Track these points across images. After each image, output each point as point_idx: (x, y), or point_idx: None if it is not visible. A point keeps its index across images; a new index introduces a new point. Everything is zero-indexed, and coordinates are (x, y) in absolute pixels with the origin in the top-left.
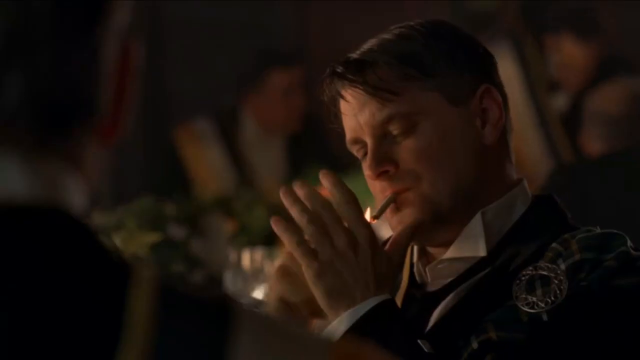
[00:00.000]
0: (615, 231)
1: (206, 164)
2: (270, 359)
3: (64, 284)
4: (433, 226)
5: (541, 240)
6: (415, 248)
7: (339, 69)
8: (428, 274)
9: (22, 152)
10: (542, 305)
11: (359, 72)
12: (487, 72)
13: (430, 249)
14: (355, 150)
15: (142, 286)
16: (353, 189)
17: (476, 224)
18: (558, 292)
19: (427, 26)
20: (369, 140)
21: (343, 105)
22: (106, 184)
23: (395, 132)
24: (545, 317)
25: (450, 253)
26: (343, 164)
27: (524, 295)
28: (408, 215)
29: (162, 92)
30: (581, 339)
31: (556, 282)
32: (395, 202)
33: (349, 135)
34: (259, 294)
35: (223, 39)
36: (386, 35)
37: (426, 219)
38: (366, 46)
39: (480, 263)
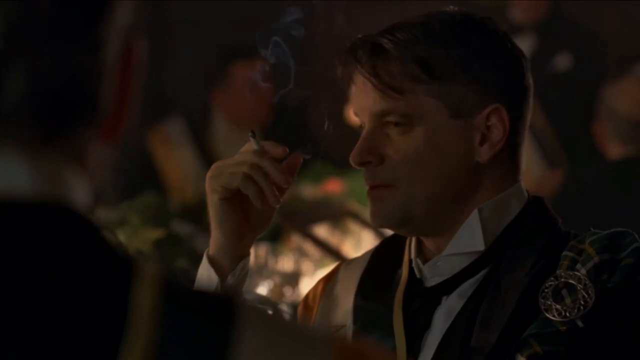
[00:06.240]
0: (621, 229)
1: (178, 165)
2: (273, 355)
3: (67, 280)
4: (398, 228)
5: (538, 244)
6: (413, 244)
7: (356, 50)
8: (426, 272)
9: (25, 148)
10: (575, 312)
11: (373, 56)
12: (507, 89)
13: (427, 245)
14: (358, 124)
15: (146, 282)
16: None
17: (473, 219)
18: (587, 296)
19: (459, 24)
20: (366, 126)
21: (356, 80)
22: (109, 180)
23: (390, 127)
24: (580, 324)
25: (448, 250)
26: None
27: (554, 306)
28: (378, 211)
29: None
30: (620, 340)
31: (582, 287)
32: (370, 196)
33: (353, 108)
34: (262, 289)
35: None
36: (412, 25)
37: (394, 219)
38: (389, 30)
39: (480, 260)
